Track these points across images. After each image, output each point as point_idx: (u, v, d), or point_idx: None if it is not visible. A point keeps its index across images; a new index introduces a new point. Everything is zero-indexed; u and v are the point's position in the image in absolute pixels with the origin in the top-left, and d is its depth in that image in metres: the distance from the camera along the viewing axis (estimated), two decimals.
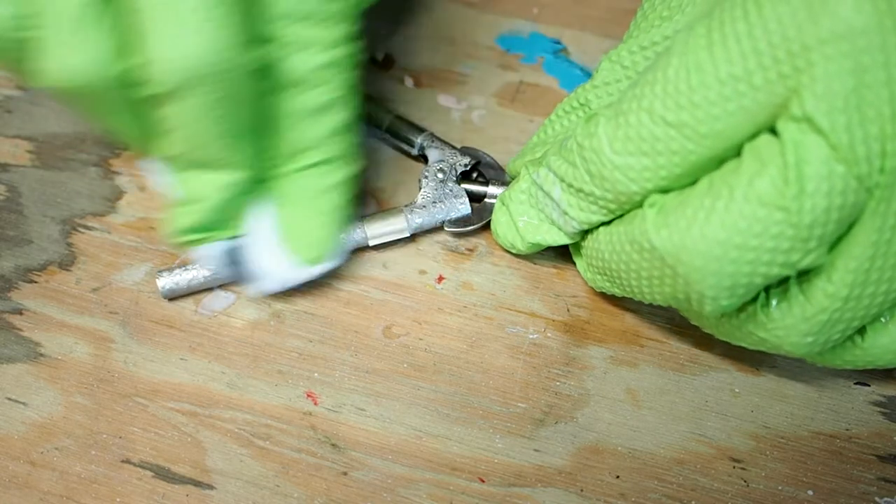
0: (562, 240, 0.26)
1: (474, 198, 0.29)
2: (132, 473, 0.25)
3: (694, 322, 0.25)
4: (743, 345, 0.23)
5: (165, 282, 0.27)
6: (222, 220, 0.25)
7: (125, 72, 0.21)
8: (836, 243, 0.20)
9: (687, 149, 0.20)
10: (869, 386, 0.27)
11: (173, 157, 0.24)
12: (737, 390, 0.27)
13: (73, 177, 0.31)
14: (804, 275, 0.21)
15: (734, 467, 0.26)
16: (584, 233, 0.25)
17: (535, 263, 0.29)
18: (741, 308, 0.22)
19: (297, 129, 0.24)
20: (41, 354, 0.27)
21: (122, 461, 0.26)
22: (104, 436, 0.26)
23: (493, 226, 0.28)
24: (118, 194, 0.30)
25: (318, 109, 0.24)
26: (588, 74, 0.33)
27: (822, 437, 0.26)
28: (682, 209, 0.20)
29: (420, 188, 0.29)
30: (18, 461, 0.26)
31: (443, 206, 0.28)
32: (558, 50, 0.34)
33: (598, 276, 0.25)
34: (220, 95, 0.21)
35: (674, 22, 0.23)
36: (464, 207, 0.28)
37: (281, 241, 0.26)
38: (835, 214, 0.18)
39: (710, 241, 0.19)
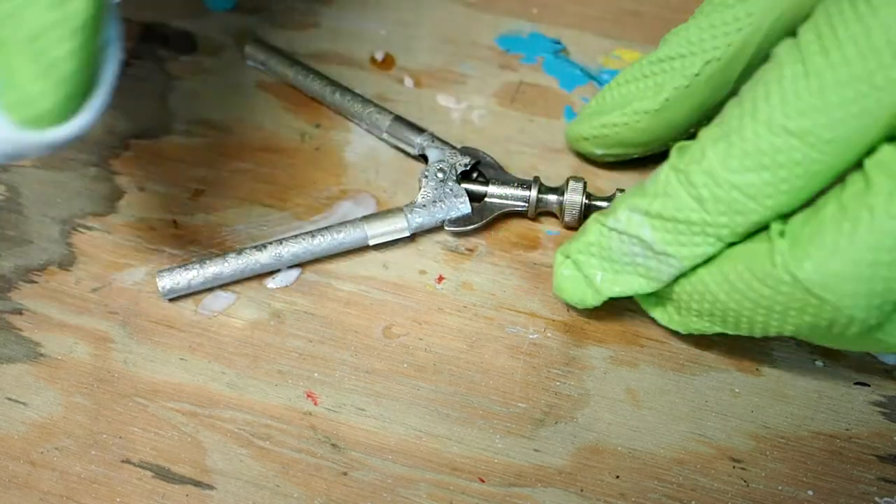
0: (647, 288, 0.24)
1: (474, 197, 0.29)
2: (132, 473, 0.25)
3: (821, 342, 0.24)
4: (873, 351, 0.23)
5: (166, 282, 0.27)
6: None
7: None
8: None
9: (810, 158, 0.20)
10: (869, 386, 0.27)
11: None
12: (737, 390, 0.27)
13: (73, 177, 0.31)
14: None
15: (734, 467, 0.26)
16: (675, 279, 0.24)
17: (535, 263, 0.29)
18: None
19: None
20: (41, 354, 0.27)
21: (122, 461, 0.26)
22: (104, 436, 0.26)
23: (556, 282, 0.26)
24: (118, 194, 0.30)
25: None
26: (588, 74, 0.33)
27: (822, 437, 0.26)
28: (821, 237, 0.20)
29: (420, 188, 0.29)
30: (18, 461, 0.26)
31: (443, 206, 0.28)
32: (558, 50, 0.34)
33: (696, 319, 0.24)
34: None
35: (745, 2, 0.24)
36: (464, 207, 0.28)
37: None
38: None
39: (859, 264, 0.19)
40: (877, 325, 0.21)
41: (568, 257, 0.25)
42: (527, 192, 0.29)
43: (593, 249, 0.24)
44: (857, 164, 0.20)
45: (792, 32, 0.21)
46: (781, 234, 0.21)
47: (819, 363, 0.27)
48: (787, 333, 0.22)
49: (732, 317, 0.23)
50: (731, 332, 0.24)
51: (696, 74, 0.25)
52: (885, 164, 0.19)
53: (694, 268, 0.23)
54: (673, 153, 0.23)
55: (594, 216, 0.25)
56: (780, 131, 0.20)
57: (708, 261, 0.23)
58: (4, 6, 0.18)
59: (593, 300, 0.25)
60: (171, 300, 0.28)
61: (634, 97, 0.27)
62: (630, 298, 0.28)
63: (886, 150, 0.19)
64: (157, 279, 0.27)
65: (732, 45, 0.24)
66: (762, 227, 0.22)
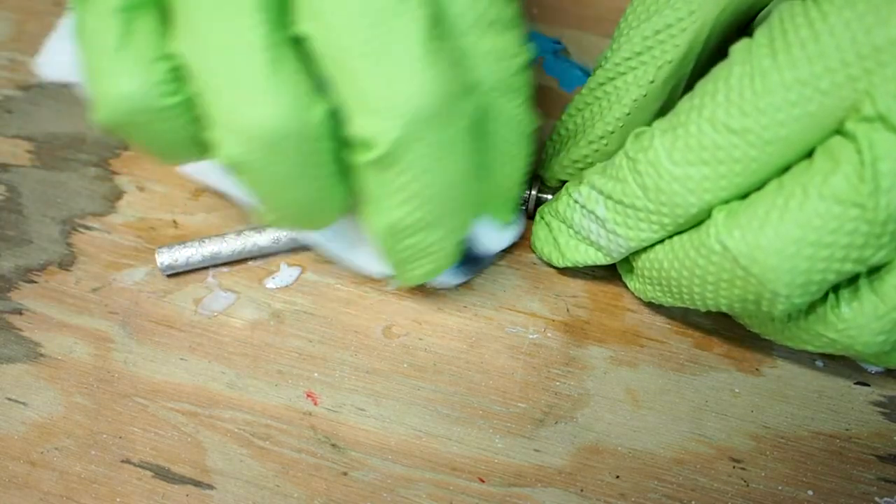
0: (603, 260, 0.26)
1: None
2: (132, 473, 0.25)
3: (755, 329, 0.25)
4: (808, 348, 0.23)
5: (164, 258, 0.28)
6: (455, 256, 0.25)
7: (326, 117, 0.20)
8: None
9: (749, 156, 0.20)
10: (869, 386, 0.27)
11: (395, 226, 0.22)
12: (737, 390, 0.27)
13: (73, 177, 0.31)
14: (875, 273, 0.21)
15: (734, 467, 0.26)
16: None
17: (535, 263, 0.29)
18: (809, 310, 0.22)
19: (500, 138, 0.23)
20: (41, 354, 0.27)
21: (122, 461, 0.26)
22: (104, 436, 0.26)
23: (532, 238, 0.28)
24: (118, 194, 0.30)
25: (516, 120, 0.23)
26: (588, 74, 0.33)
27: (822, 437, 0.26)
28: (754, 209, 0.20)
29: None
30: (18, 461, 0.26)
31: None
32: (558, 50, 0.34)
33: (650, 287, 0.25)
34: (451, 143, 0.20)
35: (689, 4, 0.23)
36: None
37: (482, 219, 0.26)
38: None
39: (784, 239, 0.19)
40: (811, 315, 0.22)
41: (542, 218, 0.27)
42: (526, 191, 0.29)
43: (560, 216, 0.26)
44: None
45: (746, 26, 0.21)
46: (720, 209, 0.21)
47: (819, 363, 0.27)
48: (724, 308, 0.22)
49: (676, 286, 0.23)
50: (679, 305, 0.24)
51: (651, 81, 0.25)
52: (829, 148, 0.19)
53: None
54: (629, 139, 0.23)
55: (567, 185, 0.26)
56: (722, 129, 0.20)
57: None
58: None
59: (557, 261, 0.27)
60: (168, 298, 0.28)
61: (594, 122, 0.26)
62: (630, 299, 0.28)
63: (836, 138, 0.19)
64: (157, 255, 0.28)
65: (681, 46, 0.24)
66: (706, 217, 0.22)
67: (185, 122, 0.21)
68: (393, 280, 0.26)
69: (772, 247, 0.20)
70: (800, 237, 0.19)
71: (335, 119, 0.20)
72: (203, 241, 0.28)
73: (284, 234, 0.28)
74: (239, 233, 0.28)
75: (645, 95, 0.25)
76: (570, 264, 0.26)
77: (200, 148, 0.22)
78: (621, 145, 0.25)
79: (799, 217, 0.19)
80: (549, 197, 0.28)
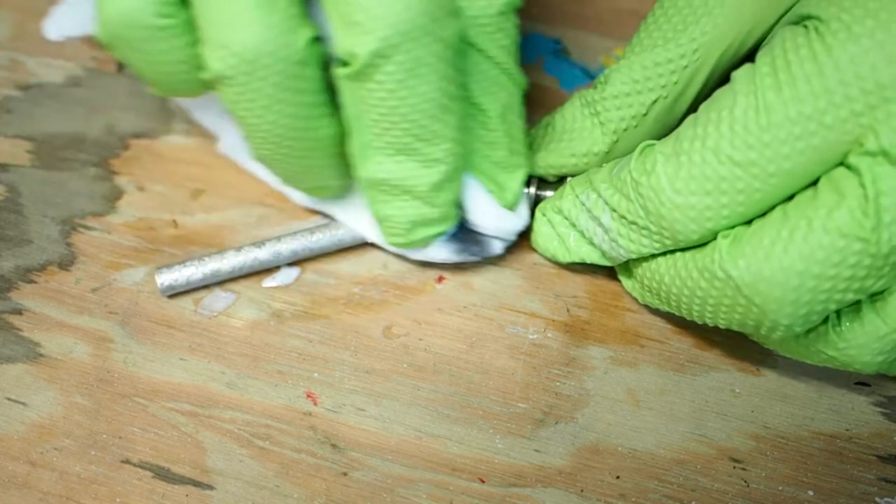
0: (606, 262, 0.26)
1: None
2: (132, 474, 0.25)
3: (755, 338, 0.25)
4: (807, 361, 0.24)
5: (164, 278, 0.27)
6: (441, 208, 0.25)
7: (311, 43, 0.21)
8: None
9: (753, 187, 0.20)
10: (869, 386, 0.27)
11: (370, 145, 0.23)
12: (737, 390, 0.27)
13: (72, 177, 0.31)
14: (877, 294, 0.21)
15: (734, 468, 0.26)
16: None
17: (535, 263, 0.29)
18: (811, 328, 0.22)
19: (480, 85, 0.24)
20: (41, 354, 0.27)
21: (122, 461, 0.26)
22: (104, 436, 0.26)
23: (533, 236, 0.28)
24: (118, 194, 0.30)
25: (498, 61, 0.24)
26: (588, 74, 0.33)
27: (822, 438, 0.26)
28: (758, 239, 0.20)
29: None
30: (18, 461, 0.26)
31: None
32: (558, 50, 0.34)
33: (648, 294, 0.25)
34: (432, 62, 0.21)
35: (688, 35, 0.23)
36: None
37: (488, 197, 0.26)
38: None
39: (788, 271, 0.19)
40: (812, 333, 0.22)
41: (544, 215, 0.27)
42: (526, 189, 0.29)
43: (565, 215, 0.26)
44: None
45: (749, 57, 0.21)
46: (725, 235, 0.21)
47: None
48: (722, 326, 0.23)
49: (675, 301, 0.23)
50: (675, 314, 0.24)
51: (644, 114, 0.25)
52: (834, 181, 0.19)
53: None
54: (636, 154, 0.23)
55: (571, 184, 0.26)
56: (726, 160, 0.20)
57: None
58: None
59: (563, 258, 0.27)
60: (170, 297, 0.28)
61: (581, 138, 0.26)
62: (630, 299, 0.28)
63: (840, 170, 0.20)
64: (156, 276, 0.27)
65: (679, 83, 0.24)
66: (709, 239, 0.22)
67: (180, 44, 0.22)
68: (385, 234, 0.26)
69: (775, 279, 0.20)
70: (803, 270, 0.19)
71: (323, 49, 0.22)
72: (203, 260, 0.27)
73: (285, 246, 0.28)
74: (238, 249, 0.28)
75: (636, 126, 0.25)
76: (576, 259, 0.26)
77: (194, 76, 0.23)
78: (601, 164, 0.25)
79: (803, 249, 0.19)
80: (550, 194, 0.28)
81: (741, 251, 0.20)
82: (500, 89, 0.25)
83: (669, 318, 0.28)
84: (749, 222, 0.21)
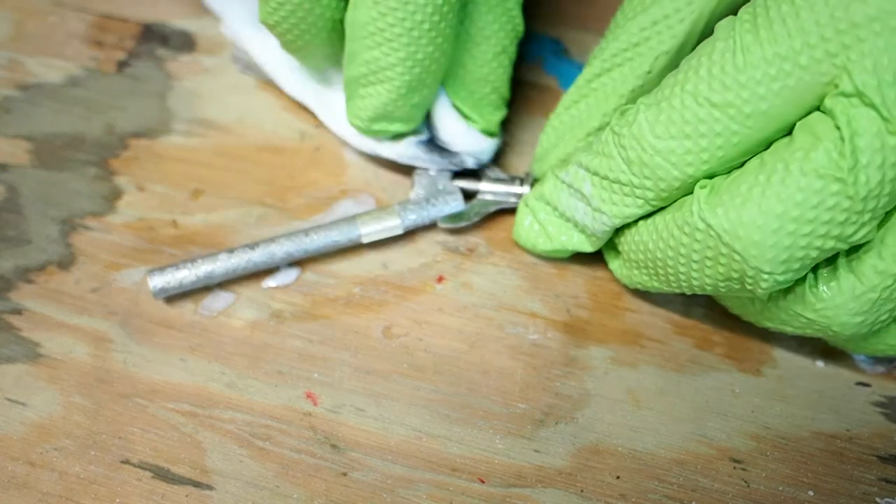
0: (585, 247, 0.26)
1: (468, 195, 0.29)
2: (132, 474, 0.25)
3: (735, 311, 0.25)
4: (787, 329, 0.23)
5: (157, 281, 0.27)
6: (407, 107, 0.26)
7: None
8: (886, 219, 0.20)
9: (730, 130, 0.20)
10: (869, 386, 0.27)
11: (372, 30, 0.24)
12: (737, 391, 0.27)
13: (72, 177, 0.31)
14: (853, 252, 0.21)
15: (735, 468, 0.26)
16: (618, 231, 0.25)
17: (535, 263, 0.29)
18: (788, 290, 0.22)
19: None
20: (40, 355, 0.27)
21: (122, 462, 0.26)
22: (103, 436, 0.26)
23: (515, 228, 0.28)
24: (118, 194, 0.30)
25: (508, 6, 0.26)
26: None
27: (822, 438, 0.26)
28: (736, 186, 0.20)
29: (413, 185, 0.29)
30: (17, 462, 0.25)
31: (436, 203, 0.28)
32: (558, 50, 0.34)
33: (636, 271, 0.25)
34: None
35: (650, 14, 0.25)
36: (457, 204, 0.28)
37: (461, 117, 0.28)
38: (888, 187, 0.19)
39: (767, 214, 0.19)
40: (790, 295, 0.22)
41: (527, 205, 0.27)
42: (521, 188, 0.29)
43: (546, 199, 0.26)
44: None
45: (735, 11, 0.22)
46: (703, 186, 0.21)
47: (820, 363, 0.27)
48: (709, 289, 0.22)
49: (661, 267, 0.23)
50: (666, 289, 0.24)
51: (648, 72, 0.25)
52: (809, 125, 0.19)
53: (635, 221, 0.24)
54: (615, 115, 0.23)
55: (553, 169, 0.26)
56: (704, 102, 0.20)
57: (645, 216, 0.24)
58: None
59: (544, 246, 0.27)
60: (167, 299, 0.28)
61: (589, 114, 0.27)
62: (630, 299, 0.28)
63: (815, 115, 0.20)
64: (148, 278, 0.27)
65: (677, 37, 0.25)
66: (689, 192, 0.22)
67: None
68: (349, 114, 0.27)
69: (754, 223, 0.20)
70: (782, 212, 0.19)
71: None
72: (196, 262, 0.27)
73: (279, 247, 0.28)
74: (232, 250, 0.27)
75: (641, 86, 0.25)
76: (557, 247, 0.26)
77: (338, 40, 0.26)
78: None
79: (781, 192, 0.19)
80: None
81: (719, 199, 0.20)
82: (500, 30, 0.26)
83: (670, 318, 0.28)
84: (728, 175, 0.21)
